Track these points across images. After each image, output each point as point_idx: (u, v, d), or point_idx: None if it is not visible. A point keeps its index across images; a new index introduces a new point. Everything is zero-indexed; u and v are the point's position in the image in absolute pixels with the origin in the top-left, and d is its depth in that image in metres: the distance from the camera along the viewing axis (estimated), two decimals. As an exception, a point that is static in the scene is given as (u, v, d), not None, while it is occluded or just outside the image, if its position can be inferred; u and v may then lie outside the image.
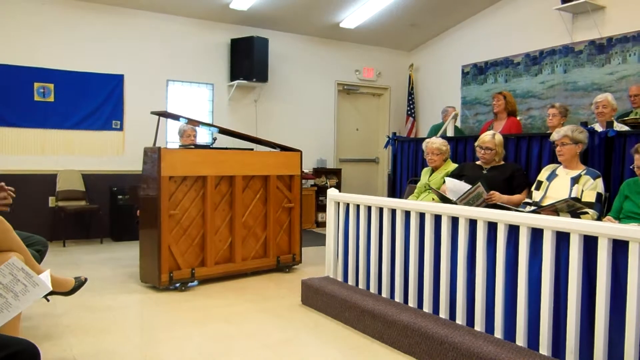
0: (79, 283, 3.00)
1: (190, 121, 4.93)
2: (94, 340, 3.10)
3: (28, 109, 6.25)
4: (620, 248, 2.20)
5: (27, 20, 6.24)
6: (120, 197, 6.57)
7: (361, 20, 7.75)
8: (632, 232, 2.14)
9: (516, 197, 3.76)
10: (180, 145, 5.14)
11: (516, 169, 3.96)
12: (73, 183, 6.44)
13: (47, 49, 6.35)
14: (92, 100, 6.60)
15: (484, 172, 4.01)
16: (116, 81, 6.75)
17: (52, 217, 6.38)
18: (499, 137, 4.05)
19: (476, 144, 4.10)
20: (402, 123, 9.06)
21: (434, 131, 6.25)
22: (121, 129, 6.81)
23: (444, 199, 3.81)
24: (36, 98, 6.30)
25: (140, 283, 4.39)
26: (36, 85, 6.29)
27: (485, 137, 4.06)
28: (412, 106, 8.86)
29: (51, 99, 6.38)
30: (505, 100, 5.18)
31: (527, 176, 3.95)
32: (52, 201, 6.41)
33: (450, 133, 5.74)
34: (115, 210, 6.61)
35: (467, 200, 3.62)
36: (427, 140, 4.55)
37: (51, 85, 6.37)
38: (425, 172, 4.60)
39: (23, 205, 6.11)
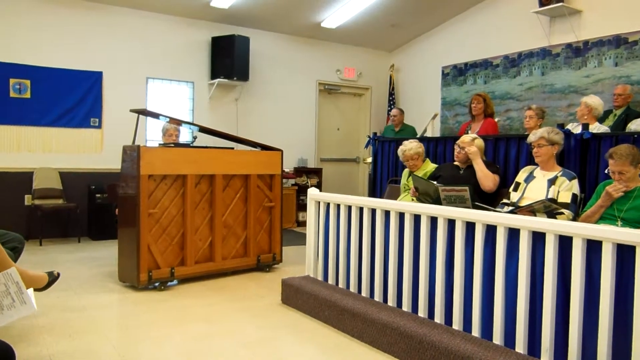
0: (53, 278, 2.96)
1: (171, 120, 4.89)
2: (70, 340, 3.07)
3: (3, 105, 6.13)
4: (594, 248, 2.25)
5: (2, 15, 6.12)
6: (98, 195, 6.49)
7: (342, 20, 7.77)
8: (606, 232, 2.20)
9: (487, 170, 3.92)
10: (160, 144, 5.09)
11: (490, 163, 4.08)
12: (50, 181, 6.34)
13: (24, 45, 6.24)
14: (69, 97, 6.51)
15: (461, 172, 4.09)
16: (95, 78, 6.66)
17: (29, 215, 6.27)
18: (479, 142, 4.12)
19: (457, 142, 4.17)
20: (382, 123, 9.09)
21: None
22: (99, 126, 6.73)
23: (427, 185, 3.89)
24: (12, 94, 6.18)
25: (118, 282, 4.35)
26: (12, 81, 6.17)
27: (466, 137, 4.14)
28: (392, 106, 8.89)
29: (27, 95, 6.27)
30: (485, 102, 5.21)
31: (498, 168, 4.05)
32: (28, 199, 6.30)
33: (429, 133, 5.79)
34: (93, 209, 6.52)
35: (450, 194, 3.67)
36: (400, 148, 4.57)
37: (27, 82, 6.26)
38: (405, 173, 4.64)
39: (-2, 204, 6.02)
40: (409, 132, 6.69)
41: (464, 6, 7.64)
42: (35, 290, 2.90)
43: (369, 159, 7.14)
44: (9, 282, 1.95)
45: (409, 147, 4.47)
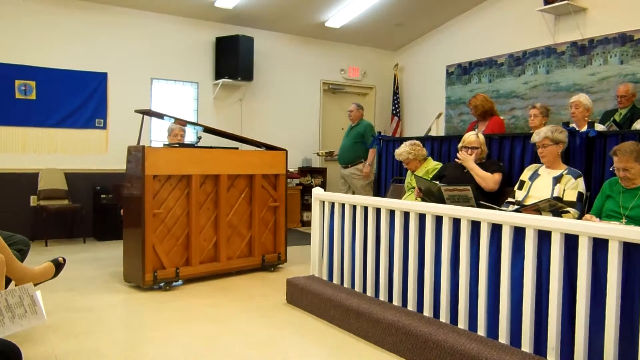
0: (58, 264, 2.97)
1: (176, 120, 4.90)
2: (76, 340, 3.07)
3: (9, 107, 6.15)
4: (600, 246, 2.24)
5: (7, 17, 6.15)
6: (103, 196, 6.51)
7: (346, 19, 7.76)
8: (612, 230, 2.18)
9: (484, 172, 3.88)
10: (165, 144, 5.11)
11: (493, 162, 4.05)
12: (55, 182, 6.36)
13: (29, 46, 6.26)
14: (75, 98, 6.53)
15: (464, 171, 4.05)
16: (100, 79, 6.68)
17: (34, 216, 6.30)
18: (482, 136, 4.12)
19: (460, 145, 4.13)
20: (387, 122, 9.09)
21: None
22: (104, 127, 6.75)
23: (430, 185, 3.87)
24: (17, 96, 6.21)
25: (124, 283, 4.36)
26: (17, 82, 6.20)
27: (470, 137, 4.11)
28: (397, 106, 8.89)
29: (33, 96, 6.29)
30: (477, 107, 5.06)
31: (501, 166, 4.00)
32: (33, 200, 6.32)
33: (434, 133, 5.77)
34: (99, 210, 6.54)
35: (453, 194, 3.66)
36: (395, 152, 4.60)
37: (33, 83, 6.28)
38: (409, 172, 4.63)
39: (4, 205, 6.05)
40: (362, 127, 6.52)
41: (468, 5, 7.62)
42: (47, 280, 2.93)
43: (324, 151, 7.24)
44: (24, 295, 2.04)
45: (399, 153, 4.51)
